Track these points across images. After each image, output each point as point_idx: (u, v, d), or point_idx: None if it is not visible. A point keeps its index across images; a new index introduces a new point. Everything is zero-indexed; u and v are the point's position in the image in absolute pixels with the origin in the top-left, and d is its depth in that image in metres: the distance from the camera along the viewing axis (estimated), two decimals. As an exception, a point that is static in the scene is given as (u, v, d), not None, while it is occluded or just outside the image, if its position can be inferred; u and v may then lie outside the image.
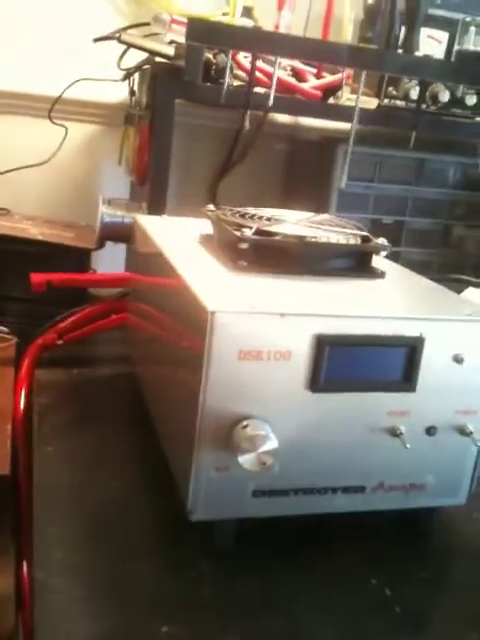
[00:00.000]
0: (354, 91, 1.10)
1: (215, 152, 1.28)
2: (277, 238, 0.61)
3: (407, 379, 0.54)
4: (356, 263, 0.64)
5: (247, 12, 1.05)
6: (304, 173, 1.28)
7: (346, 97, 1.10)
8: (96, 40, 1.02)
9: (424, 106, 1.15)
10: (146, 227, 0.75)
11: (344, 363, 0.52)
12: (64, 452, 0.66)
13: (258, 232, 0.61)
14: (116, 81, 1.11)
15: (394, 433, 0.55)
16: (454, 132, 1.19)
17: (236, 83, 1.04)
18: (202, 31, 0.88)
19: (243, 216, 0.68)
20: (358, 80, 0.98)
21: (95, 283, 0.86)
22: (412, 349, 0.53)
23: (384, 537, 0.59)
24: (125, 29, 1.03)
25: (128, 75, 1.11)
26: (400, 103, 1.15)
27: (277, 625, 0.48)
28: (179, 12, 1.02)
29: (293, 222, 0.68)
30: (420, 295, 0.63)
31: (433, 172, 1.23)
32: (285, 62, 1.06)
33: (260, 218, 0.68)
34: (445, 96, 1.14)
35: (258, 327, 0.49)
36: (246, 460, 0.49)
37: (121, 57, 1.07)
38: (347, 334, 0.51)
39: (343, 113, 1.04)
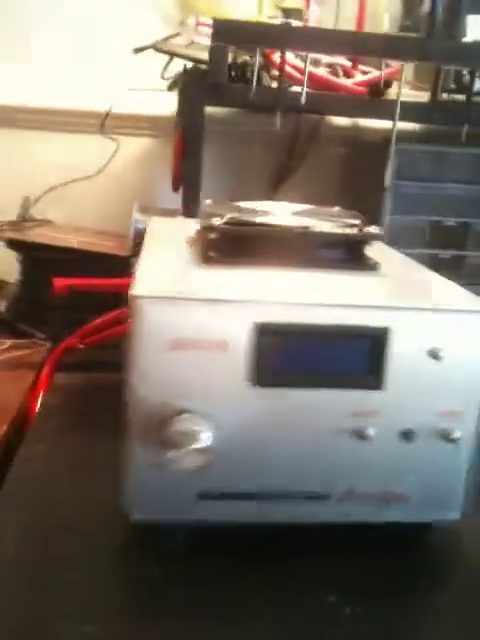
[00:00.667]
0: (408, 85, 1.04)
1: (272, 158, 1.26)
2: (246, 227, 0.57)
3: (372, 375, 0.48)
4: (344, 255, 0.59)
5: (290, 13, 1.02)
6: (361, 176, 1.22)
7: (394, 92, 1.03)
8: (136, 51, 1.03)
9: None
10: (151, 228, 0.74)
11: (293, 355, 0.48)
12: (53, 452, 0.66)
13: (229, 222, 0.58)
14: (162, 91, 1.12)
15: (362, 436, 0.49)
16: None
17: (275, 84, 1.01)
18: (228, 31, 0.86)
19: (233, 208, 0.65)
20: (401, 73, 0.92)
21: (117, 287, 0.86)
22: (376, 341, 0.48)
23: (367, 551, 0.53)
24: (168, 39, 1.04)
25: (172, 85, 1.11)
26: (460, 97, 1.08)
27: (206, 629, 0.44)
28: (224, 17, 1.01)
29: (283, 213, 0.64)
30: (404, 287, 0.56)
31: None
32: (326, 59, 1.02)
33: (253, 210, 0.65)
34: (512, 87, 1.05)
35: (192, 315, 0.46)
36: (176, 457, 0.46)
37: (165, 67, 1.08)
38: (293, 323, 0.47)
39: (389, 110, 0.98)
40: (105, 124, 1.17)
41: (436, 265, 1.33)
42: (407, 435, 0.50)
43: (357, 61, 1.02)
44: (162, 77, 1.09)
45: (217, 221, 0.57)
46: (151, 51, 1.10)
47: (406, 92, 1.10)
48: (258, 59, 0.89)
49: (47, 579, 0.48)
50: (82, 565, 0.49)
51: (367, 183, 1.21)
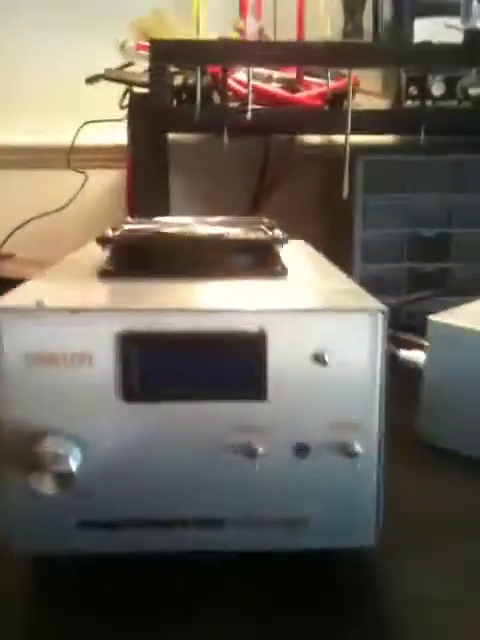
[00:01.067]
0: (368, 95, 1.02)
1: (247, 181, 1.24)
2: (138, 236, 0.55)
3: (252, 385, 0.44)
4: (248, 262, 0.56)
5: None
6: (336, 192, 1.19)
7: (358, 102, 1.01)
8: (88, 81, 1.03)
9: (457, 102, 1.04)
10: (80, 251, 0.72)
11: (164, 366, 0.44)
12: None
13: (122, 232, 0.55)
14: (119, 120, 1.11)
15: (251, 452, 0.45)
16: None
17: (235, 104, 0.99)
18: (165, 51, 0.85)
19: (150, 223, 0.63)
20: (349, 81, 0.89)
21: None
22: (252, 348, 0.44)
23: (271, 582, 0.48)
24: (123, 67, 1.04)
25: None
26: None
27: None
28: (183, 39, 0.99)
29: (201, 225, 0.62)
30: (299, 291, 0.52)
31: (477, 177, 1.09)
32: (278, 74, 1.00)
33: (170, 224, 0.63)
34: (478, 90, 1.01)
35: (50, 327, 0.43)
36: (39, 482, 0.43)
37: (123, 96, 1.07)
38: (158, 331, 0.43)
39: (344, 121, 0.95)
40: (71, 158, 1.17)
41: (419, 280, 1.28)
42: (300, 450, 0.45)
43: (302, 73, 0.99)
44: (120, 107, 1.08)
45: (111, 233, 0.55)
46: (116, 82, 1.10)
47: (371, 102, 1.07)
48: (199, 77, 0.87)
49: None
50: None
51: (340, 199, 1.18)
